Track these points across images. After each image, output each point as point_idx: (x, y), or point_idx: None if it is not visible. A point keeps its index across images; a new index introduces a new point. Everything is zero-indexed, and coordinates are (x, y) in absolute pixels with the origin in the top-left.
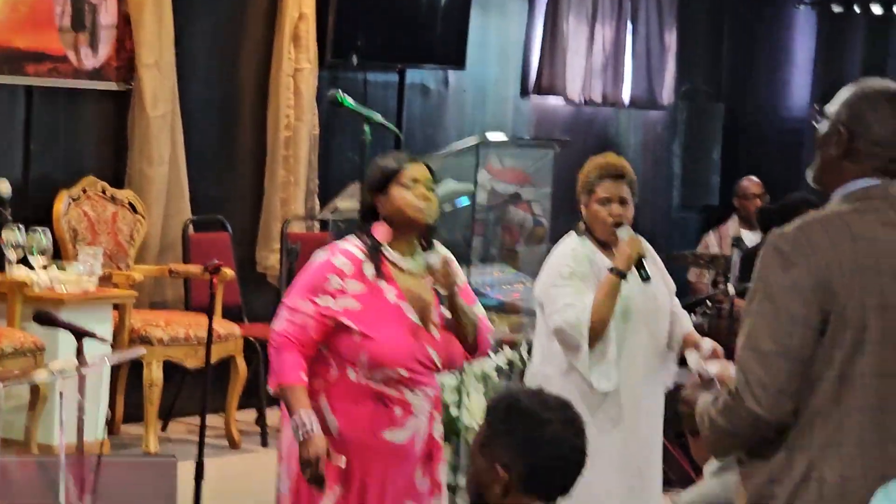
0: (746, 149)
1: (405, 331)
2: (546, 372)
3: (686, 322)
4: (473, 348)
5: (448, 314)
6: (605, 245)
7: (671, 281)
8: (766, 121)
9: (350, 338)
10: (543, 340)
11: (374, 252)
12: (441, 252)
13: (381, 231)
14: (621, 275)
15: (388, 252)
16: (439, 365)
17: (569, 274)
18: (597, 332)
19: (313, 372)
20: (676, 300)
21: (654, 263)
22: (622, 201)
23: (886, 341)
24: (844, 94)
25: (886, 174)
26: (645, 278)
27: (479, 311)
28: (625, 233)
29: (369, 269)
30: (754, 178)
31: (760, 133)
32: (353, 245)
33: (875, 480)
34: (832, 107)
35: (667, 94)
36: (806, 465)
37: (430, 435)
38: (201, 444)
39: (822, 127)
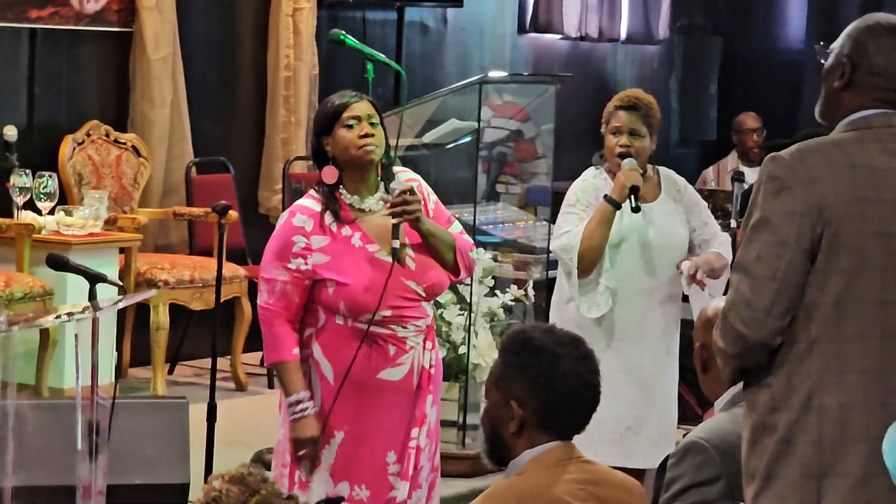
0: (743, 83)
1: (377, 270)
2: (553, 300)
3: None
4: (456, 269)
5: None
6: None
7: (703, 219)
8: (762, 54)
9: (326, 290)
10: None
11: (331, 199)
12: (403, 183)
13: (328, 173)
14: (613, 203)
15: (346, 195)
16: (422, 294)
17: (574, 202)
18: (587, 259)
19: (304, 323)
20: (716, 236)
21: (679, 201)
22: (632, 132)
23: (888, 269)
24: (849, 28)
25: (888, 105)
26: (634, 209)
27: (455, 229)
28: (628, 163)
29: (329, 218)
30: (752, 112)
31: (757, 67)
32: (309, 199)
33: (875, 408)
34: (837, 41)
35: (663, 28)
36: (806, 393)
37: (422, 367)
38: (212, 386)
39: (827, 62)
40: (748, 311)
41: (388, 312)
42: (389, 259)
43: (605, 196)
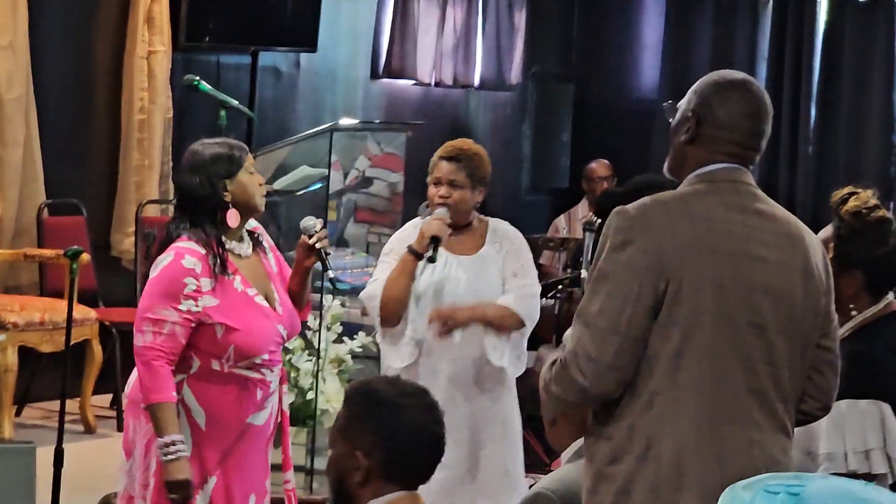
0: (596, 131)
1: (260, 316)
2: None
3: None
4: (301, 316)
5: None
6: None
7: (514, 270)
8: (615, 102)
9: (213, 334)
10: None
11: (220, 245)
12: (309, 220)
13: (233, 217)
14: (414, 253)
15: (226, 241)
16: (286, 338)
17: (388, 251)
18: (388, 308)
19: (175, 368)
20: (520, 289)
21: (499, 252)
22: (452, 183)
23: (720, 321)
24: (696, 85)
25: (732, 157)
26: (429, 259)
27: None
28: (438, 213)
29: (212, 262)
30: (604, 160)
31: (610, 115)
32: (188, 242)
33: (710, 459)
34: (684, 98)
35: (516, 74)
36: (645, 443)
37: (280, 409)
38: (60, 430)
39: (675, 117)
40: (590, 363)
41: (266, 357)
42: (265, 303)
43: (409, 246)
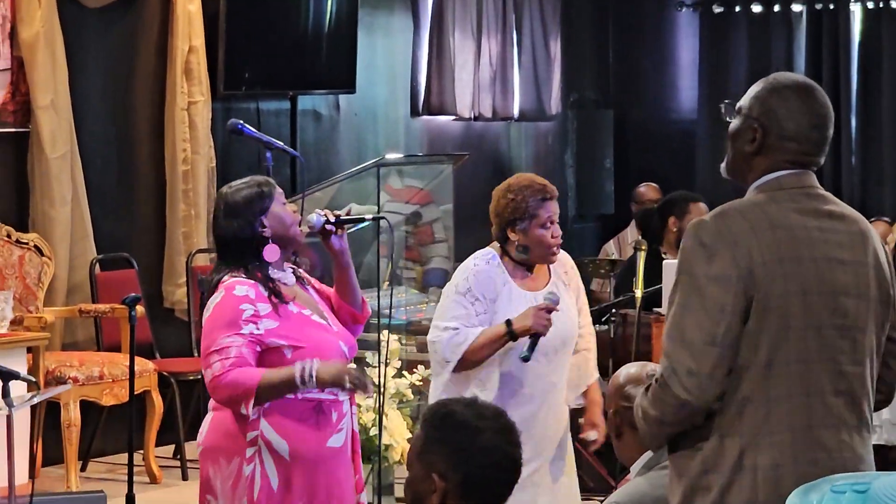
0: (638, 154)
1: (322, 332)
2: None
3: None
4: (361, 312)
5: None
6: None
7: (580, 305)
8: (655, 125)
9: (281, 356)
10: None
11: (269, 277)
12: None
13: (271, 252)
14: (511, 336)
15: (275, 273)
16: (348, 355)
17: (465, 290)
18: (465, 366)
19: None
20: (585, 328)
21: (568, 284)
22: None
23: (808, 327)
24: (755, 88)
25: (798, 165)
26: (524, 358)
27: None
28: (547, 299)
29: (266, 292)
30: (652, 184)
31: (651, 137)
32: (237, 277)
33: (806, 465)
34: (744, 101)
35: (555, 104)
36: (738, 453)
37: (353, 430)
38: (130, 477)
39: (735, 122)
40: (691, 378)
41: None
42: (323, 321)
43: (508, 322)
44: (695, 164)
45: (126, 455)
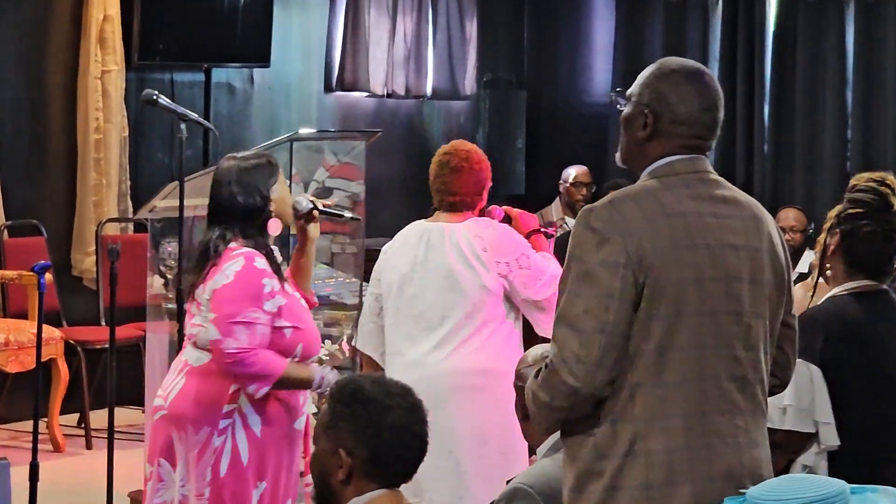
0: (550, 136)
1: (309, 317)
2: None
3: None
4: (312, 300)
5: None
6: None
7: None
8: (568, 107)
9: (282, 335)
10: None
11: (272, 253)
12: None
13: (274, 226)
14: None
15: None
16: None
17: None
18: None
19: (225, 378)
20: None
21: None
22: None
23: (702, 313)
24: (644, 74)
25: (692, 150)
26: None
27: None
28: None
29: (272, 267)
30: (583, 167)
31: (563, 120)
32: (245, 248)
33: (700, 450)
34: (634, 88)
35: (469, 83)
36: (630, 438)
37: (308, 413)
38: (35, 445)
39: (626, 109)
40: (579, 365)
41: (315, 357)
42: (305, 305)
43: None
44: (607, 147)
45: (29, 423)
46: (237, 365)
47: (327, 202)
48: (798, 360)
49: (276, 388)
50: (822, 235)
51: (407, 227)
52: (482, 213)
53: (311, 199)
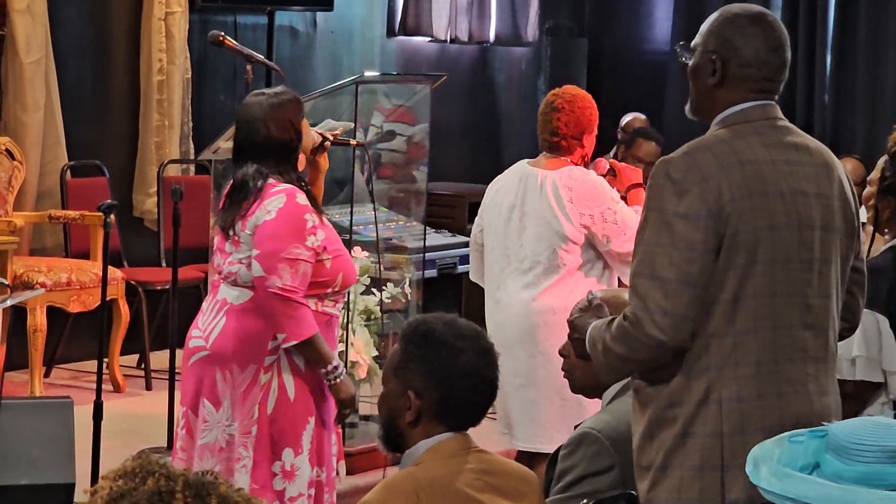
0: (610, 83)
1: (343, 246)
2: None
3: None
4: None
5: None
6: None
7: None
8: (628, 55)
9: (323, 265)
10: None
11: (307, 187)
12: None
13: (303, 162)
14: None
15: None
16: None
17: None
18: None
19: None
20: None
21: None
22: None
23: (776, 261)
24: (707, 23)
25: (762, 94)
26: None
27: None
28: None
29: (311, 200)
30: (640, 115)
31: (624, 67)
32: (286, 185)
33: (771, 398)
34: (698, 38)
35: (531, 30)
36: (705, 387)
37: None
38: (99, 384)
39: (693, 59)
40: (665, 318)
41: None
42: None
43: None
44: (665, 96)
45: (89, 363)
46: (281, 301)
47: (334, 133)
48: (865, 310)
49: (296, 348)
50: (869, 191)
51: (512, 167)
52: (587, 165)
53: (319, 131)
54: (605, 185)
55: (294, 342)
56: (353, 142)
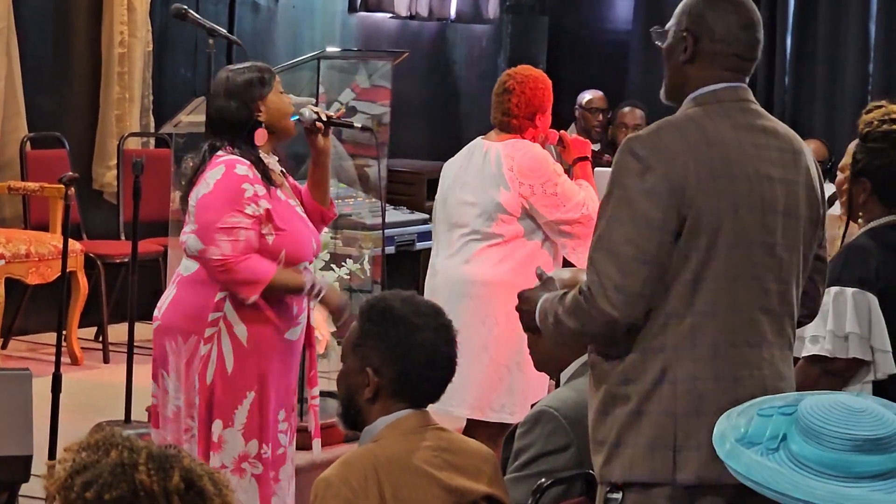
0: (571, 62)
1: (302, 225)
2: None
3: None
4: (330, 212)
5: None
6: None
7: None
8: (589, 34)
9: (265, 239)
10: None
11: (260, 160)
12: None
13: (261, 135)
14: None
15: (265, 157)
16: (316, 252)
17: None
18: None
19: (213, 286)
20: None
21: None
22: None
23: (738, 244)
24: (682, 4)
25: (733, 72)
26: None
27: None
28: None
29: (259, 172)
30: (599, 91)
31: (585, 46)
32: (231, 156)
33: (727, 381)
34: (672, 21)
35: (492, 8)
36: (660, 367)
37: (309, 324)
38: (58, 356)
39: (667, 40)
40: (618, 293)
41: (308, 265)
42: (304, 215)
43: None
44: (627, 75)
45: (47, 335)
46: (223, 272)
47: (330, 112)
48: (854, 289)
49: (267, 293)
50: (841, 177)
51: (469, 144)
52: (545, 145)
53: (316, 109)
54: (549, 157)
55: (255, 296)
56: (357, 124)
